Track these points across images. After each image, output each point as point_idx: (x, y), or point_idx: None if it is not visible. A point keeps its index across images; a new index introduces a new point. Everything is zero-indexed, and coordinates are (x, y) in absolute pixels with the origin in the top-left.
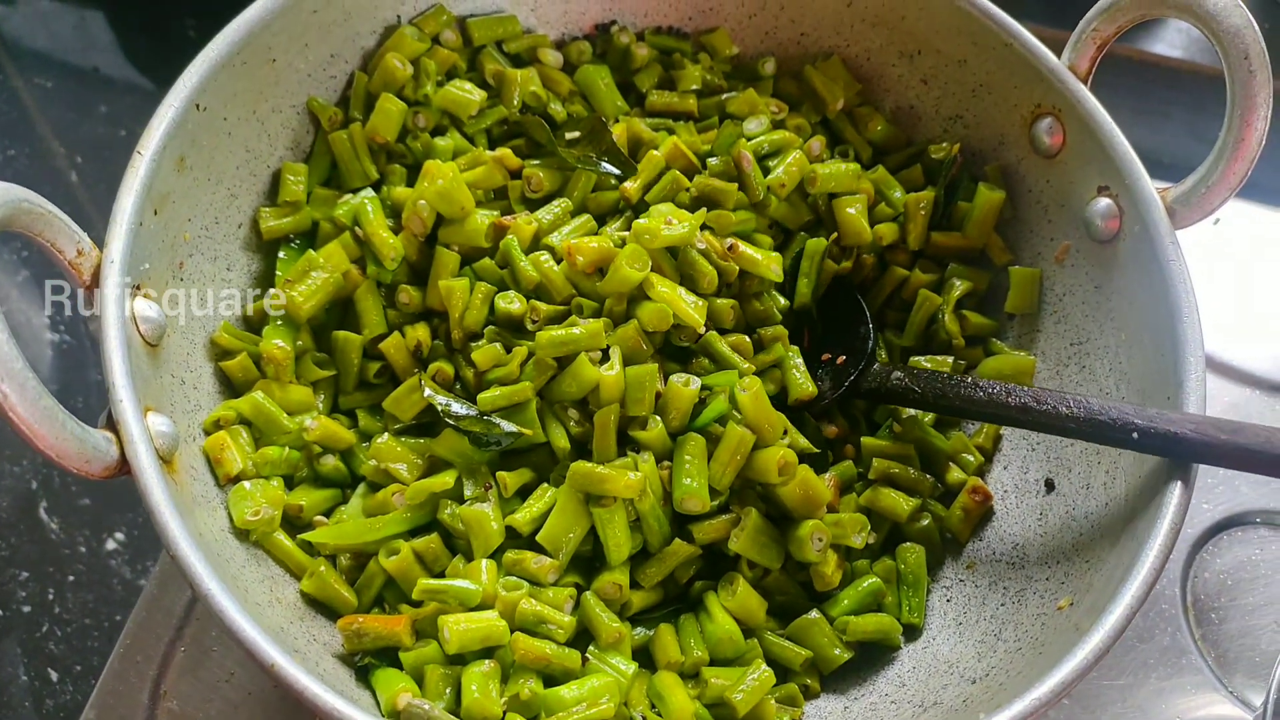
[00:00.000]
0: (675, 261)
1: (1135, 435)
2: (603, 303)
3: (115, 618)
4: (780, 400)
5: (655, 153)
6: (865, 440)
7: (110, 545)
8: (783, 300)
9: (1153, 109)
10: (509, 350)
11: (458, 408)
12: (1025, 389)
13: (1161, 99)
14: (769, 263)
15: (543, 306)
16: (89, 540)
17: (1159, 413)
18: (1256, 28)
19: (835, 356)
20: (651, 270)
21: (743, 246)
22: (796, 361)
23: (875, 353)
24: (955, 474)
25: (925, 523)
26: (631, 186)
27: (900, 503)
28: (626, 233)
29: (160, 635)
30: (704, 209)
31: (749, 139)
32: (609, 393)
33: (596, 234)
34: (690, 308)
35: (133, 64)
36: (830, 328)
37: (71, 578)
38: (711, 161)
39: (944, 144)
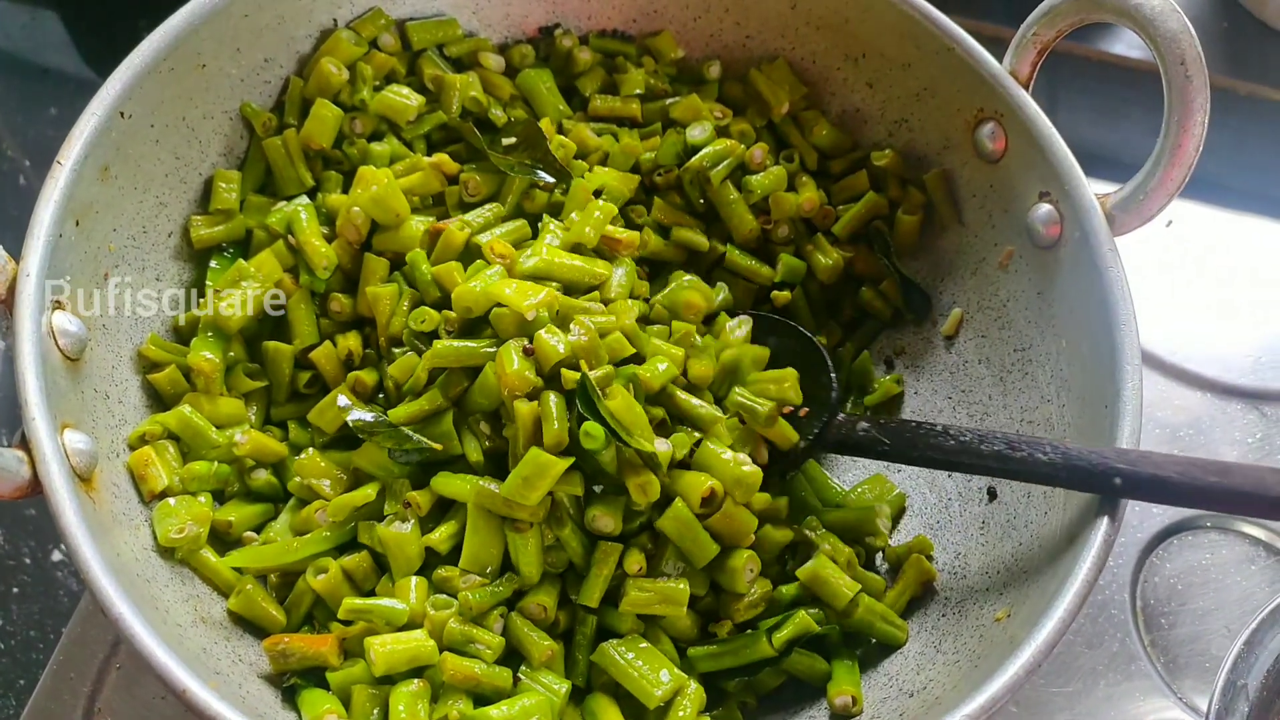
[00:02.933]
0: None
1: (1119, 481)
2: None
3: (61, 630)
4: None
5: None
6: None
7: (56, 556)
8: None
9: (1113, 109)
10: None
11: (369, 418)
12: (999, 435)
13: (1121, 99)
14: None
15: (454, 315)
16: (34, 551)
17: (1141, 454)
18: (1193, 33)
19: (796, 409)
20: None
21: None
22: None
23: (840, 402)
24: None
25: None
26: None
27: (842, 589)
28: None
29: (95, 651)
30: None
31: (692, 146)
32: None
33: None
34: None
35: (86, 65)
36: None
37: (16, 589)
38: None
39: (886, 151)
